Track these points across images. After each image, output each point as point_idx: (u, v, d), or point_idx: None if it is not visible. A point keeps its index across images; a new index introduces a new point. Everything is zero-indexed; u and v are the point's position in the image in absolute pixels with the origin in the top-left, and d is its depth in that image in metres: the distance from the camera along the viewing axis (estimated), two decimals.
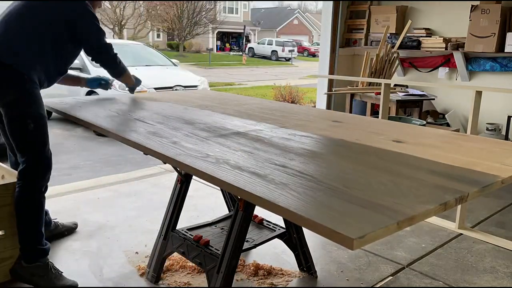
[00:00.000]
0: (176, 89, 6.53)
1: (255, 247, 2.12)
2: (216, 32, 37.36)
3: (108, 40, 2.29)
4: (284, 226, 2.26)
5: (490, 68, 4.79)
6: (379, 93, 4.14)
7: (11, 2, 2.12)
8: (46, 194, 2.16)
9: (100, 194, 3.46)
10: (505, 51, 4.47)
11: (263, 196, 1.09)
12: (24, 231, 2.10)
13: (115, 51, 2.36)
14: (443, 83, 5.24)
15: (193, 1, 29.34)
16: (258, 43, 36.19)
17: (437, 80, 5.30)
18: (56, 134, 6.47)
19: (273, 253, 2.50)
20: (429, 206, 1.04)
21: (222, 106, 2.52)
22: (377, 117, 3.67)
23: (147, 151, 1.56)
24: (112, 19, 26.14)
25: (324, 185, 1.19)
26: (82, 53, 2.28)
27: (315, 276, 2.31)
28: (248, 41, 38.18)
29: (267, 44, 34.21)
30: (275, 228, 2.27)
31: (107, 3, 25.92)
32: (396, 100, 4.64)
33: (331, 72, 5.93)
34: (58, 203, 3.18)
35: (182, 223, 2.24)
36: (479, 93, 2.85)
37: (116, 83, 7.55)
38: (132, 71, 2.57)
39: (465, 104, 4.86)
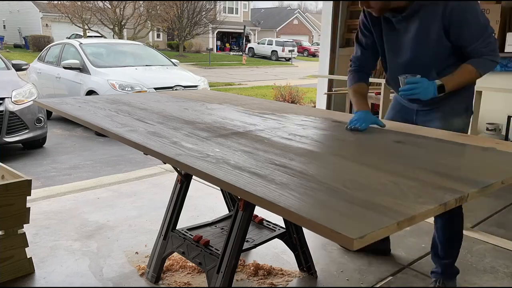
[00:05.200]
0: (176, 89, 6.52)
1: (255, 247, 2.12)
2: (216, 32, 37.38)
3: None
4: (284, 226, 2.26)
5: None
6: (379, 93, 4.14)
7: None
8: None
9: (100, 194, 3.46)
10: (505, 51, 4.46)
11: (263, 196, 1.09)
12: None
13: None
14: None
15: (193, 1, 29.34)
16: (258, 43, 36.20)
17: None
18: (56, 134, 6.48)
19: (273, 253, 2.50)
20: (429, 206, 1.04)
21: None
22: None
23: (147, 151, 1.56)
24: (112, 19, 26.10)
25: (324, 185, 1.19)
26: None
27: (315, 276, 2.31)
28: (248, 41, 38.20)
29: (267, 44, 34.21)
30: (275, 228, 2.27)
31: (107, 3, 25.92)
32: None
33: (331, 72, 5.93)
34: (58, 203, 3.18)
35: (182, 223, 2.24)
36: (479, 93, 2.85)
37: (116, 83, 7.51)
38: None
39: None
